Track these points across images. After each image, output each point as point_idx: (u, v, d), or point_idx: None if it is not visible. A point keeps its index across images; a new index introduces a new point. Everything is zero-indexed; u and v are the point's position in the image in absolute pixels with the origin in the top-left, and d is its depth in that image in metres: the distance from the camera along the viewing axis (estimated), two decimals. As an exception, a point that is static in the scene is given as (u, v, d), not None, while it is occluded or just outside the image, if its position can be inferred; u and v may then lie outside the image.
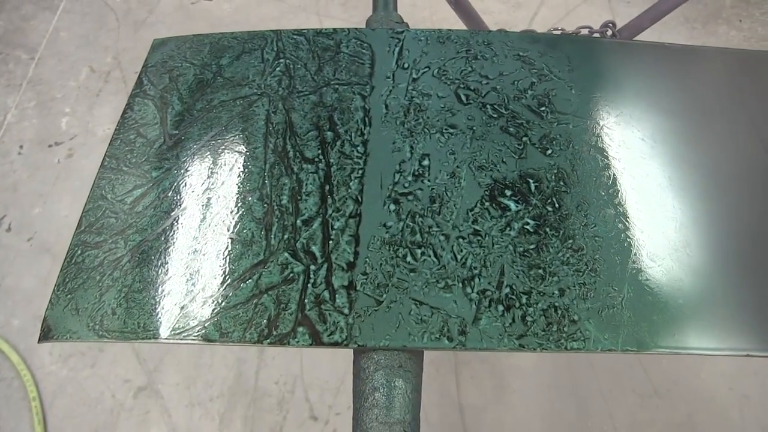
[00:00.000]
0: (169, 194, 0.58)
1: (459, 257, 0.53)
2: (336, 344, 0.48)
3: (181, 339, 0.49)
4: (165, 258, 0.54)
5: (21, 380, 1.35)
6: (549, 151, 0.60)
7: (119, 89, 1.90)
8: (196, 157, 0.61)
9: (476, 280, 0.51)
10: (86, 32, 2.08)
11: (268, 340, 0.49)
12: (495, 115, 0.63)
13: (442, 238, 0.54)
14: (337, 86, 0.66)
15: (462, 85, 0.66)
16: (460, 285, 0.51)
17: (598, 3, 2.10)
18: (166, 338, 0.49)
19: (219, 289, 0.51)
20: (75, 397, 1.34)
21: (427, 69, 0.68)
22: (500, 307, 0.50)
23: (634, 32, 1.11)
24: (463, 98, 0.65)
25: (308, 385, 1.36)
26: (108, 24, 2.12)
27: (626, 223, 0.55)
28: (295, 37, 0.72)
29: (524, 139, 0.61)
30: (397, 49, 0.70)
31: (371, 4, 0.80)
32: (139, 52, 2.01)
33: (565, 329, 0.49)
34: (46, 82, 1.92)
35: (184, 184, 0.59)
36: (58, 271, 1.42)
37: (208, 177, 0.59)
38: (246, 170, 0.59)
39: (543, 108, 0.64)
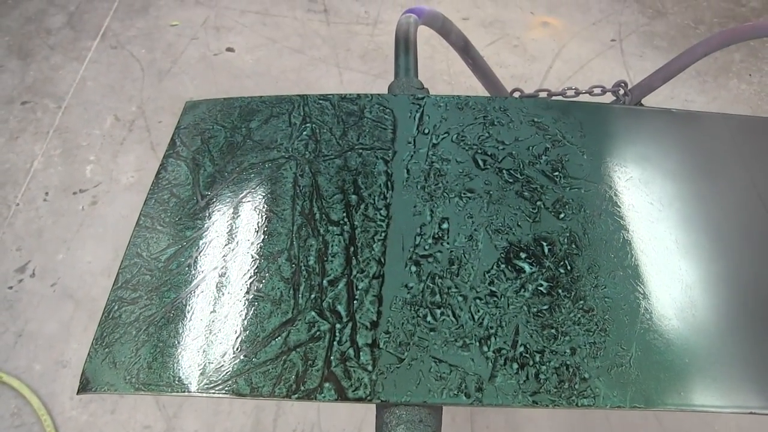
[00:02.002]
0: (202, 253, 0.63)
1: (476, 317, 0.56)
2: (360, 399, 0.52)
3: (214, 393, 0.53)
4: (198, 315, 0.58)
5: (41, 425, 1.38)
6: (562, 215, 0.64)
7: (143, 138, 1.98)
8: (227, 217, 0.66)
9: (492, 339, 0.55)
10: (112, 82, 2.17)
11: (297, 395, 0.52)
12: (511, 180, 0.67)
13: (460, 299, 0.58)
14: (361, 151, 0.71)
15: (480, 151, 0.70)
16: (477, 344, 0.55)
17: (611, 57, 2.16)
18: (199, 392, 0.53)
19: (249, 346, 0.55)
20: (93, 443, 1.37)
21: (446, 134, 0.72)
22: (515, 365, 0.53)
23: (645, 91, 1.16)
24: (481, 163, 0.69)
25: (324, 434, 1.38)
26: (133, 74, 2.21)
27: (635, 285, 0.59)
28: (320, 101, 0.77)
29: (538, 203, 0.65)
30: (418, 114, 0.75)
31: (390, 57, 0.85)
32: (163, 102, 2.09)
33: (576, 387, 0.52)
34: (72, 130, 2.00)
35: (216, 244, 0.64)
36: (80, 316, 1.47)
37: (239, 237, 0.64)
38: (275, 231, 0.64)
39: (556, 173, 0.68)
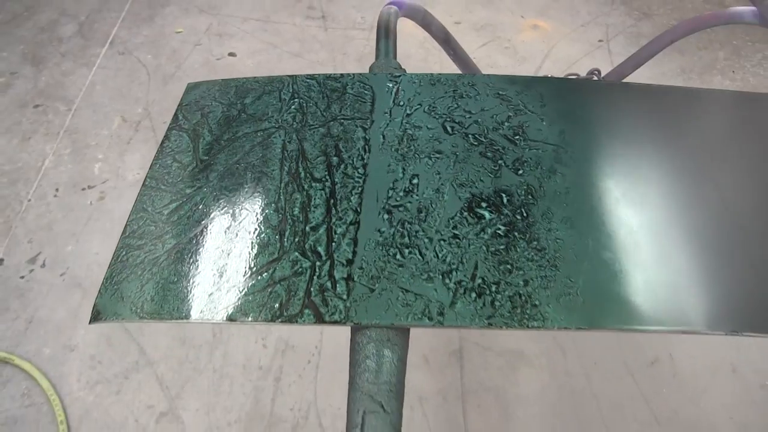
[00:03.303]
0: (200, 207, 0.71)
1: (440, 255, 0.64)
2: (335, 323, 0.59)
3: (209, 319, 0.60)
4: (195, 257, 0.66)
5: (50, 405, 1.45)
6: (520, 171, 0.72)
7: (148, 137, 2.06)
8: (222, 177, 0.74)
9: (453, 273, 0.62)
10: (119, 86, 2.26)
11: (279, 320, 0.60)
12: (476, 143, 0.75)
13: (426, 240, 0.65)
14: (342, 120, 0.79)
15: (448, 119, 0.78)
16: (440, 277, 0.62)
17: (599, 56, 2.25)
18: (195, 319, 0.61)
19: (240, 280, 0.63)
20: (100, 421, 1.44)
21: (419, 106, 0.80)
22: (473, 294, 0.61)
23: (618, 78, 1.24)
24: (449, 129, 0.77)
25: (321, 412, 1.45)
26: (139, 78, 2.30)
27: (585, 229, 0.66)
28: (307, 80, 0.85)
29: (499, 162, 0.73)
30: (395, 90, 0.83)
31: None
32: (167, 104, 2.18)
33: (528, 311, 0.60)
34: (82, 131, 2.09)
35: (212, 198, 0.71)
36: (87, 304, 1.54)
37: (233, 193, 0.72)
38: (264, 188, 0.72)
39: (517, 137, 0.76)
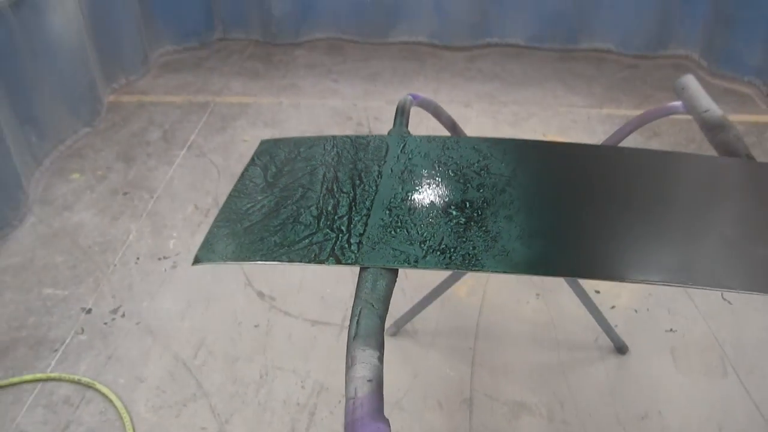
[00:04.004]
0: (265, 204, 1.12)
1: (419, 232, 1.02)
2: (349, 264, 0.97)
3: (269, 261, 0.99)
4: (261, 231, 1.06)
5: (122, 422, 1.81)
6: (481, 190, 1.11)
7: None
8: (282, 190, 1.15)
9: (426, 241, 1.00)
10: (194, 180, 2.77)
11: (314, 262, 0.98)
12: (453, 175, 1.15)
13: (412, 225, 1.04)
14: (365, 161, 1.21)
15: (436, 161, 1.19)
16: (418, 243, 1.00)
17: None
18: (260, 260, 1.00)
19: (291, 240, 1.02)
20: (160, 440, 1.78)
21: (418, 154, 1.22)
22: (438, 252, 0.98)
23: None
24: (436, 167, 1.18)
25: (345, 439, 1.76)
26: (211, 175, 2.82)
27: (519, 222, 1.04)
28: (344, 138, 1.29)
29: (467, 184, 1.13)
30: (402, 144, 1.25)
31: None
32: (233, 196, 2.67)
33: (472, 262, 0.97)
34: (161, 214, 2.58)
35: (274, 201, 1.13)
36: (156, 346, 1.94)
37: (288, 199, 1.13)
38: (308, 196, 1.13)
39: (482, 171, 1.16)
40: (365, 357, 0.82)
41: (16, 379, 1.93)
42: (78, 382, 1.92)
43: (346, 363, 0.84)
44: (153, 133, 3.16)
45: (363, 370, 0.80)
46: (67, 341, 2.04)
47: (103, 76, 3.28)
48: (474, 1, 3.83)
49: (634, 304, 2.16)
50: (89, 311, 2.15)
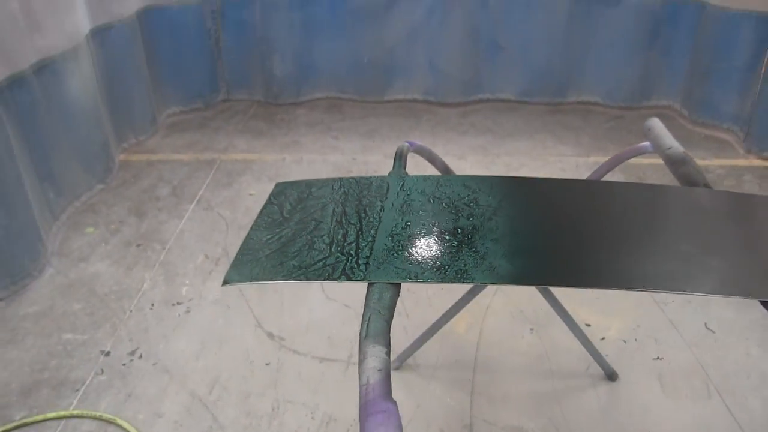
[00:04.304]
0: (283, 237, 1.31)
1: (418, 254, 1.21)
2: (358, 281, 1.16)
3: (290, 280, 1.18)
4: (279, 257, 1.25)
5: (142, 455, 1.95)
6: (470, 218, 1.31)
7: (225, 271, 2.71)
8: (297, 224, 1.35)
9: (425, 262, 1.19)
10: (203, 232, 2.97)
11: (328, 280, 1.17)
12: (446, 206, 1.35)
13: (411, 249, 1.23)
14: (369, 198, 1.41)
15: (431, 196, 1.39)
16: (417, 262, 1.19)
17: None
18: (281, 280, 1.18)
19: (306, 264, 1.21)
20: (179, 470, 1.92)
21: (415, 191, 1.42)
22: (435, 269, 1.17)
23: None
24: (431, 201, 1.38)
25: (354, 465, 1.90)
26: (220, 227, 3.01)
27: (503, 243, 1.23)
28: (350, 179, 1.49)
29: (459, 214, 1.32)
30: (401, 183, 1.45)
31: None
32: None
33: (463, 276, 1.15)
34: (173, 264, 2.76)
35: (291, 233, 1.32)
36: (173, 385, 2.10)
37: (303, 231, 1.32)
38: (320, 227, 1.32)
39: (471, 203, 1.36)
40: (375, 352, 0.99)
41: (40, 417, 2.07)
42: (100, 419, 2.06)
43: (359, 358, 1.01)
44: (163, 189, 3.37)
45: (373, 362, 0.98)
46: (88, 381, 2.19)
47: (115, 136, 3.51)
48: (466, 59, 4.11)
49: (622, 335, 2.32)
50: (108, 353, 2.31)
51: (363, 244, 1.25)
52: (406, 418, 2.02)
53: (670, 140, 1.59)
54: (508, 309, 2.48)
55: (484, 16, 4.00)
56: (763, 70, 3.44)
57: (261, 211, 1.43)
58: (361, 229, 1.30)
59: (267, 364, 2.25)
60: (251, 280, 1.21)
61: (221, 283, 1.26)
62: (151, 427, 2.03)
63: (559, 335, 2.30)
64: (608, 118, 4.09)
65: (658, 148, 1.61)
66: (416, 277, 1.16)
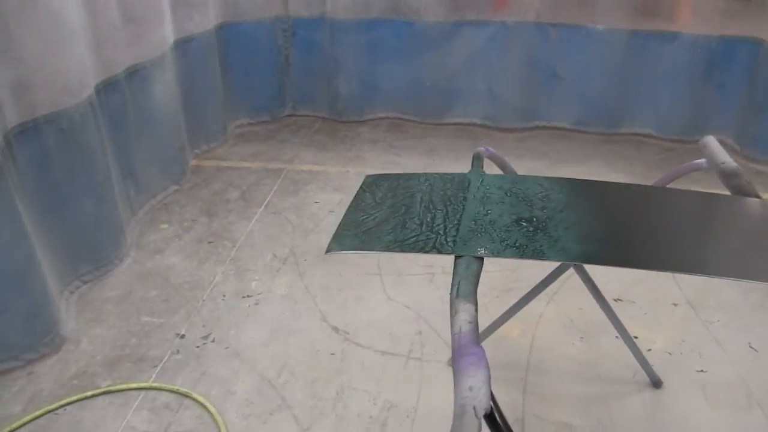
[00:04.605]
0: (378, 217, 1.51)
1: (500, 236, 1.40)
2: (447, 253, 1.35)
3: (387, 251, 1.37)
4: (376, 233, 1.44)
5: (217, 425, 2.15)
6: (544, 210, 1.49)
7: (293, 269, 2.92)
8: (389, 207, 1.54)
9: (504, 241, 1.38)
10: (271, 234, 3.19)
11: (420, 252, 1.36)
12: (522, 199, 1.54)
13: (492, 231, 1.42)
14: (452, 190, 1.60)
15: (507, 191, 1.58)
16: (499, 241, 1.38)
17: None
18: (377, 250, 1.38)
19: (401, 238, 1.41)
20: (249, 443, 2.11)
21: (493, 186, 1.61)
22: (514, 248, 1.36)
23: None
24: (507, 194, 1.56)
25: (413, 447, 2.07)
26: (286, 230, 3.23)
27: (573, 230, 1.41)
28: (435, 174, 1.69)
29: (533, 206, 1.51)
30: (481, 179, 1.65)
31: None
32: (307, 248, 3.07)
33: (539, 254, 1.33)
34: (243, 260, 2.98)
35: (385, 215, 1.52)
36: (244, 367, 2.32)
37: (395, 213, 1.52)
38: (411, 211, 1.52)
39: (544, 198, 1.54)
40: (466, 308, 1.18)
41: (123, 386, 2.29)
42: (177, 392, 2.27)
43: (451, 313, 1.20)
44: (232, 193, 3.62)
45: (465, 316, 1.16)
46: (165, 359, 2.41)
47: (189, 142, 3.78)
48: (524, 88, 4.31)
49: (668, 347, 2.46)
50: (183, 336, 2.52)
51: (449, 226, 1.44)
52: (463, 409, 2.18)
53: (723, 156, 1.76)
54: (560, 318, 2.63)
55: (544, 47, 4.20)
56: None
57: (355, 197, 1.63)
58: (447, 214, 1.50)
59: (332, 354, 2.44)
60: (352, 249, 1.41)
61: (325, 251, 1.46)
62: (223, 402, 2.22)
63: (607, 344, 2.45)
64: (660, 149, 4.24)
65: (713, 163, 1.77)
66: (498, 253, 1.35)
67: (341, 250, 1.42)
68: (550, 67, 4.24)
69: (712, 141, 1.83)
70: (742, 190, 1.63)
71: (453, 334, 1.15)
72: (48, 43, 2.27)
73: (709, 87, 4.07)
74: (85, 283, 2.74)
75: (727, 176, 1.69)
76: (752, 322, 2.62)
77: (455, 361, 1.09)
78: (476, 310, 1.19)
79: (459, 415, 0.97)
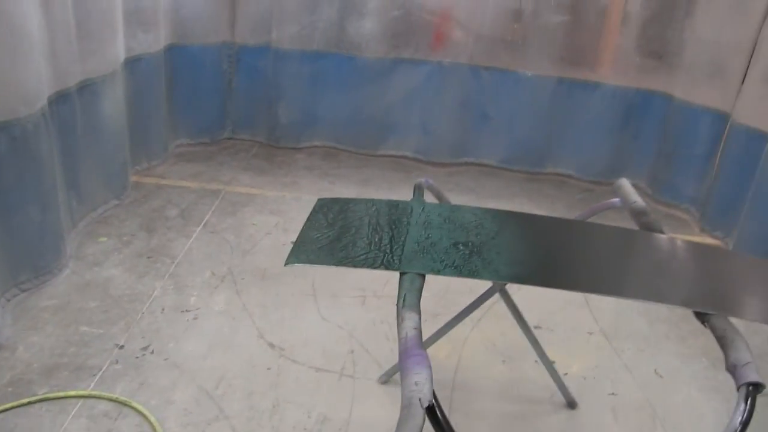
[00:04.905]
0: (330, 236, 1.67)
1: (438, 257, 1.58)
2: (394, 269, 1.52)
3: (340, 266, 1.53)
4: (327, 250, 1.60)
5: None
6: (478, 236, 1.68)
7: (230, 287, 3.03)
8: (340, 228, 1.71)
9: (443, 261, 1.56)
10: (210, 252, 3.29)
11: (370, 268, 1.52)
12: (458, 226, 1.73)
13: (433, 252, 1.60)
14: (397, 215, 1.78)
15: (446, 218, 1.77)
16: (439, 262, 1.55)
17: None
18: (333, 265, 1.54)
19: (353, 256, 1.57)
20: (187, 450, 2.20)
21: (433, 213, 1.80)
22: (452, 268, 1.54)
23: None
24: (446, 221, 1.75)
25: (345, 456, 2.21)
26: (224, 250, 3.34)
27: (504, 255, 1.60)
28: (380, 200, 1.86)
29: (469, 233, 1.70)
30: (422, 207, 1.83)
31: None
32: (245, 267, 3.18)
33: (473, 272, 1.52)
34: (182, 276, 3.07)
35: (336, 234, 1.68)
36: (182, 377, 2.41)
37: (346, 233, 1.68)
38: (360, 232, 1.68)
39: (478, 226, 1.74)
40: (410, 316, 1.35)
41: (61, 394, 2.34)
42: (116, 400, 2.34)
43: (397, 321, 1.37)
44: (171, 210, 3.69)
45: (410, 323, 1.33)
46: (104, 368, 2.47)
47: (131, 158, 3.84)
48: (455, 126, 4.57)
49: (583, 372, 2.69)
50: (122, 347, 2.59)
51: (395, 246, 1.62)
52: (387, 427, 2.33)
53: (634, 196, 2.00)
54: (484, 342, 2.83)
55: (476, 87, 4.48)
56: (717, 160, 3.95)
57: (309, 217, 1.79)
58: (393, 236, 1.67)
59: (268, 368, 2.56)
60: (309, 263, 1.56)
61: (284, 264, 1.60)
62: (162, 412, 2.31)
63: (527, 368, 2.66)
64: (580, 190, 4.57)
65: (625, 203, 2.02)
66: (439, 271, 1.52)
67: (298, 263, 1.56)
68: (481, 107, 4.52)
69: (625, 183, 2.08)
70: (649, 227, 1.87)
71: (400, 339, 1.31)
72: (8, 53, 2.34)
73: (626, 134, 4.43)
74: (23, 291, 2.77)
75: (637, 214, 1.93)
76: (658, 351, 2.88)
77: (402, 362, 1.25)
78: (420, 318, 1.36)
79: (406, 405, 1.13)
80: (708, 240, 3.96)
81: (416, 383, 1.16)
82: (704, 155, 4.05)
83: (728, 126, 3.89)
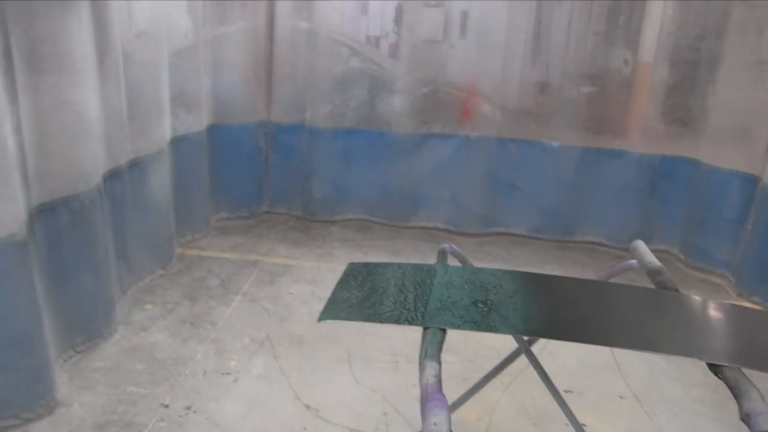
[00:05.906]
0: (359, 296, 1.85)
1: (460, 313, 1.75)
2: (417, 325, 1.69)
3: (369, 321, 1.71)
4: (360, 308, 1.79)
5: (197, 489, 2.38)
6: (497, 295, 1.86)
7: (268, 351, 3.21)
8: (369, 290, 1.89)
9: (463, 317, 1.73)
10: (249, 319, 3.49)
11: (395, 323, 1.70)
12: (479, 286, 1.90)
13: (455, 309, 1.77)
14: (421, 278, 1.96)
15: (467, 280, 1.95)
16: (459, 318, 1.73)
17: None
18: (362, 321, 1.72)
19: (380, 313, 1.75)
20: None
21: (455, 275, 1.98)
22: (472, 323, 1.71)
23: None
24: (467, 282, 1.93)
25: None
26: (263, 317, 3.54)
27: (521, 312, 1.77)
28: (406, 264, 2.05)
29: (488, 292, 1.87)
30: (445, 269, 2.01)
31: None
32: (282, 334, 3.37)
33: (492, 328, 1.69)
34: (222, 342, 3.26)
35: (365, 295, 1.86)
36: None
37: (374, 294, 1.87)
38: (387, 293, 1.87)
39: (497, 286, 1.91)
40: (431, 365, 1.52)
41: (111, 451, 2.52)
42: (161, 458, 2.51)
43: (419, 369, 1.53)
44: (212, 280, 3.92)
45: (431, 371, 1.50)
46: (150, 426, 2.65)
47: (176, 231, 4.11)
48: (484, 196, 4.78)
49: (610, 435, 2.79)
50: (167, 406, 2.77)
51: (419, 305, 1.80)
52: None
53: (650, 257, 2.16)
54: (515, 406, 2.94)
55: (503, 159, 4.70)
56: (751, 223, 4.03)
57: (340, 280, 1.98)
58: (417, 295, 1.85)
59: (304, 428, 2.70)
60: (340, 319, 1.74)
61: (317, 320, 1.79)
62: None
63: (557, 431, 2.76)
64: (611, 257, 4.69)
65: (642, 263, 2.17)
66: (459, 326, 1.70)
67: (330, 319, 1.75)
68: (509, 178, 4.73)
69: (640, 244, 2.23)
70: (664, 285, 2.01)
71: (421, 385, 1.48)
72: (71, 136, 2.64)
73: (655, 201, 4.57)
74: (78, 353, 2.99)
75: (653, 273, 2.08)
76: (693, 415, 2.95)
77: (423, 405, 1.41)
78: (440, 367, 1.53)
79: (425, 444, 1.29)
80: (746, 305, 4.02)
81: (435, 423, 1.32)
82: (735, 219, 4.15)
83: (759, 188, 3.98)
